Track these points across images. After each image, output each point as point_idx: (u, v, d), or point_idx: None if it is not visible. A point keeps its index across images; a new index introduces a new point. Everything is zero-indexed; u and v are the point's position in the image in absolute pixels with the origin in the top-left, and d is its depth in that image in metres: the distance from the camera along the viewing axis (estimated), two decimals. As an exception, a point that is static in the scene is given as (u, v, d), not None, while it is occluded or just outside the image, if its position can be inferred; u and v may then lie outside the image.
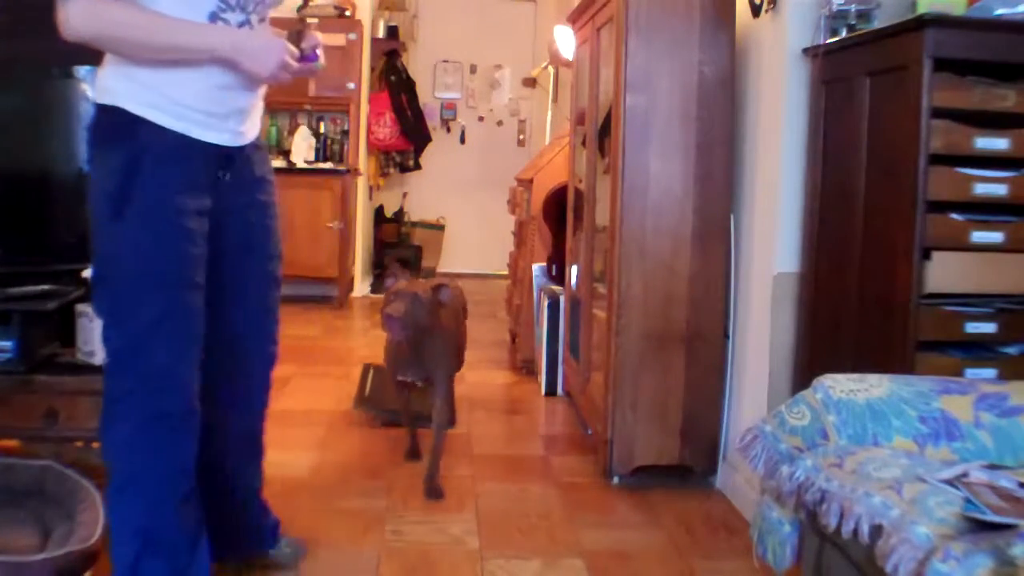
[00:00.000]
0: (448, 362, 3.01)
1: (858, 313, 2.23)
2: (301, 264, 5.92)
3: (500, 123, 7.97)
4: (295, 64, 1.87)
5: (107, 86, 1.82)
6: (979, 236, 2.04)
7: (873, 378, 1.78)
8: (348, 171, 6.14)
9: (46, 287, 2.56)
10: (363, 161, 6.63)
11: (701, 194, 2.89)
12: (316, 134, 6.23)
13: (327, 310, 5.94)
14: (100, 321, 1.88)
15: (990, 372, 2.04)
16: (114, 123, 1.81)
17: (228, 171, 1.97)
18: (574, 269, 3.81)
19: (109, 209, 1.80)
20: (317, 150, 6.19)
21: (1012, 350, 2.11)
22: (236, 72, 1.84)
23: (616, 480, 2.98)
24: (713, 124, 2.88)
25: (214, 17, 1.82)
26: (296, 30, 1.94)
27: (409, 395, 3.12)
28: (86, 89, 2.57)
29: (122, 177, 1.79)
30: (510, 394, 4.15)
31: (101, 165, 1.82)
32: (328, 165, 6.14)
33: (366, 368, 3.83)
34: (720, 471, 2.99)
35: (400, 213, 7.69)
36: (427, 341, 2.85)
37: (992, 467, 1.53)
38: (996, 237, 2.05)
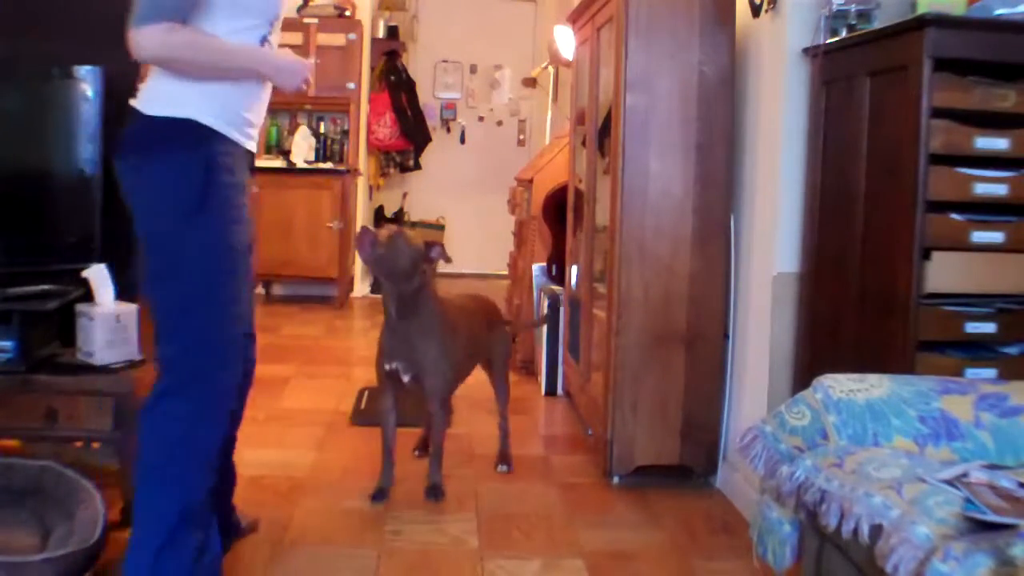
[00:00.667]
0: (444, 362, 2.73)
1: (858, 313, 2.23)
2: (301, 264, 5.93)
3: (500, 123, 7.97)
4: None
5: (179, 99, 1.95)
6: (979, 236, 2.04)
7: (873, 378, 1.78)
8: (348, 171, 6.14)
9: (46, 287, 2.56)
10: (363, 161, 6.63)
11: (701, 194, 2.89)
12: (316, 134, 6.23)
13: (327, 310, 5.94)
14: (166, 318, 2.00)
15: (990, 372, 2.04)
16: (187, 132, 1.96)
17: (251, 175, 2.19)
18: (574, 269, 3.81)
19: (188, 206, 1.95)
20: (317, 150, 6.19)
21: (1012, 350, 2.11)
22: (268, 86, 2.10)
23: (616, 480, 2.98)
24: (713, 124, 2.88)
25: (263, 40, 2.03)
26: None
27: (397, 393, 2.80)
28: (86, 89, 2.57)
29: (201, 180, 1.95)
30: (510, 394, 4.14)
31: (172, 169, 1.96)
32: (328, 165, 6.14)
33: (361, 391, 3.88)
34: (720, 471, 2.99)
35: (400, 213, 7.69)
36: (417, 326, 2.67)
37: (992, 467, 1.53)
38: (996, 237, 2.05)
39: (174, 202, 1.97)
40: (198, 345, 1.98)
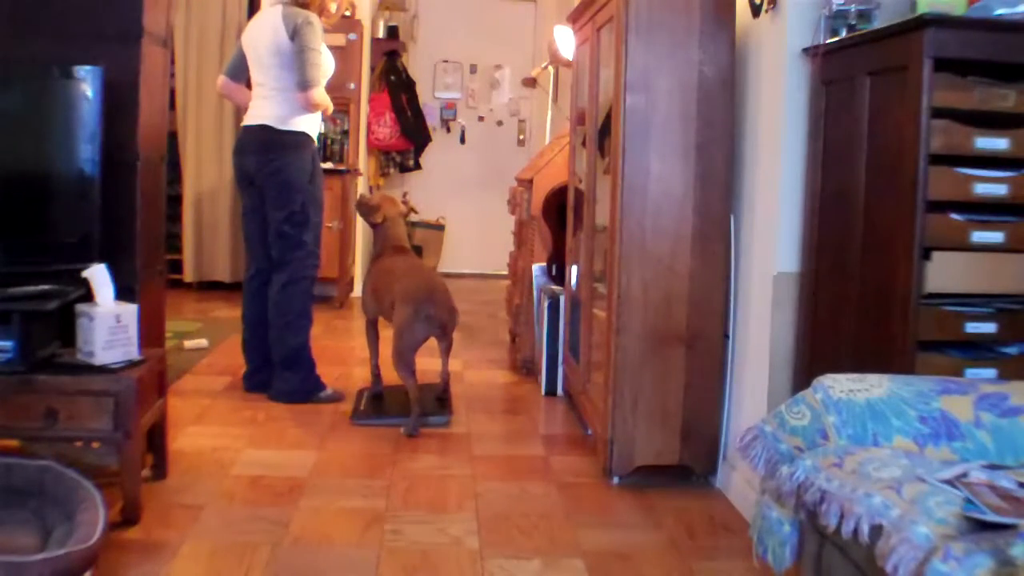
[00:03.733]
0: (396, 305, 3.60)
1: (858, 313, 2.23)
2: (301, 264, 5.92)
3: (500, 123, 7.97)
4: None
5: (296, 120, 3.73)
6: (979, 236, 2.04)
7: (873, 378, 1.78)
8: (348, 171, 6.14)
9: (46, 287, 2.56)
10: (363, 161, 6.63)
11: (701, 194, 2.89)
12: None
13: (327, 310, 5.93)
14: (296, 237, 3.75)
15: (990, 372, 2.04)
16: (302, 140, 3.77)
17: None
18: (574, 269, 3.81)
19: (306, 177, 3.75)
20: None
21: (1012, 350, 2.11)
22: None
23: (616, 480, 2.98)
24: (713, 124, 2.88)
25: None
26: None
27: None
28: (86, 89, 2.57)
29: (311, 164, 3.79)
30: (510, 394, 4.15)
31: (298, 159, 3.74)
32: (328, 165, 6.13)
33: (361, 391, 3.90)
34: (720, 471, 2.99)
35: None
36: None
37: (992, 467, 1.53)
38: (996, 237, 2.05)
39: (304, 175, 3.75)
40: (314, 248, 3.82)
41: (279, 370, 3.80)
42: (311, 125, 3.79)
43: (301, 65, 3.62)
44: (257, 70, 3.78)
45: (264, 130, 3.72)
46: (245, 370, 3.94)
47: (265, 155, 3.71)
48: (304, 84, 3.63)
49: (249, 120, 3.81)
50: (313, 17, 3.71)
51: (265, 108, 3.74)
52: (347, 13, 6.16)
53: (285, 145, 3.72)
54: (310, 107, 3.67)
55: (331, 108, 3.86)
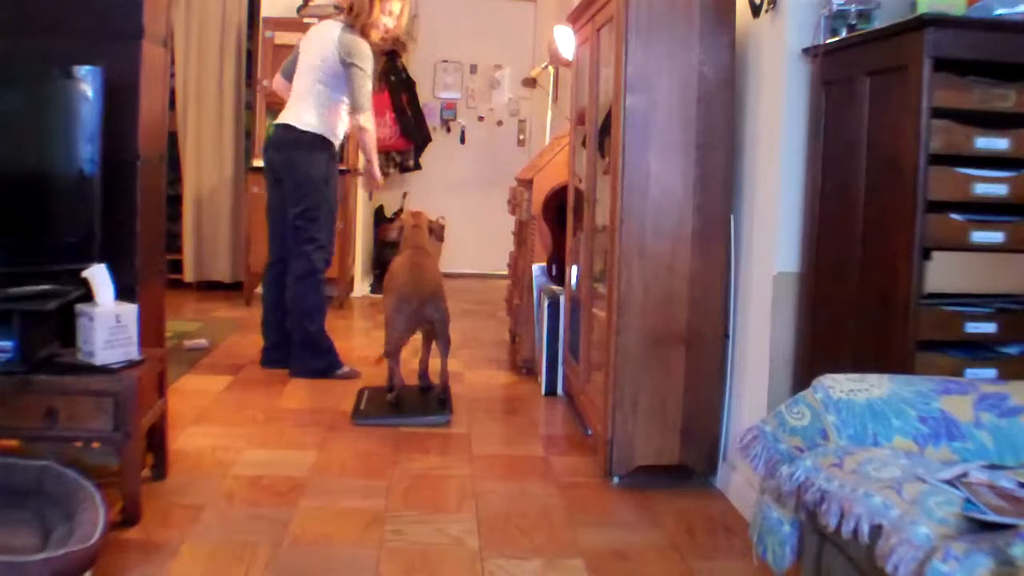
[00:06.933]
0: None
1: (858, 313, 2.23)
2: (301, 264, 5.91)
3: (500, 123, 7.96)
4: None
5: (317, 124, 4.11)
6: (979, 236, 2.04)
7: (873, 378, 1.78)
8: (348, 171, 6.14)
9: (46, 287, 2.56)
10: (363, 161, 6.62)
11: (701, 194, 2.89)
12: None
13: (327, 310, 5.92)
14: (308, 232, 4.13)
15: (990, 372, 2.04)
16: (320, 142, 4.12)
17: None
18: (574, 269, 3.81)
19: (321, 178, 4.13)
20: (317, 150, 6.18)
21: (1012, 350, 2.11)
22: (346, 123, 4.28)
23: (616, 480, 2.98)
24: (713, 124, 2.88)
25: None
26: None
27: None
28: (86, 89, 2.57)
29: (327, 165, 4.17)
30: (510, 394, 4.15)
31: (318, 159, 4.12)
32: (328, 165, 6.12)
33: (361, 391, 3.90)
34: (720, 471, 2.99)
35: (400, 213, 7.68)
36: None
37: (992, 467, 1.53)
38: (996, 237, 2.05)
39: (319, 175, 4.12)
40: (326, 244, 4.19)
41: (300, 351, 4.20)
42: (331, 131, 4.15)
43: (353, 91, 4.04)
44: (300, 75, 4.18)
45: (288, 129, 4.12)
46: (263, 346, 4.38)
47: (286, 152, 4.13)
48: (357, 108, 4.07)
49: (279, 119, 4.23)
50: (364, 45, 4.07)
51: (293, 109, 4.15)
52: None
53: (305, 144, 4.10)
54: (357, 129, 4.11)
55: (373, 137, 4.22)
